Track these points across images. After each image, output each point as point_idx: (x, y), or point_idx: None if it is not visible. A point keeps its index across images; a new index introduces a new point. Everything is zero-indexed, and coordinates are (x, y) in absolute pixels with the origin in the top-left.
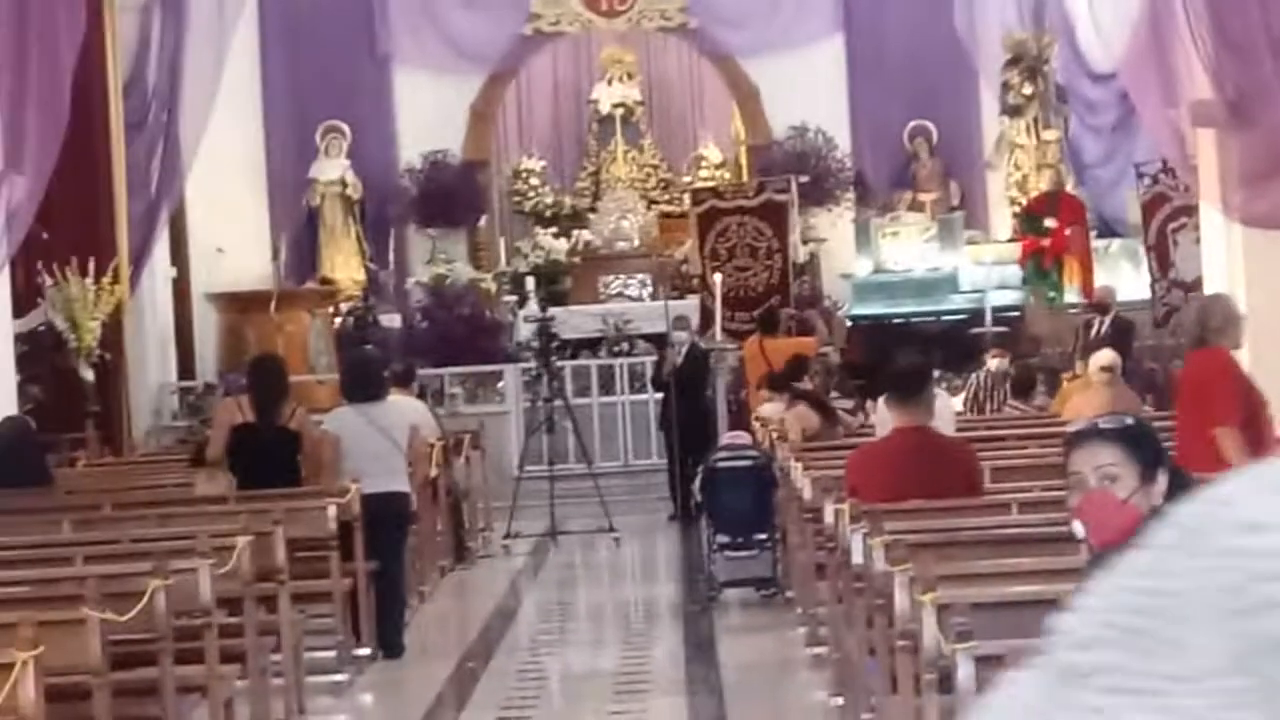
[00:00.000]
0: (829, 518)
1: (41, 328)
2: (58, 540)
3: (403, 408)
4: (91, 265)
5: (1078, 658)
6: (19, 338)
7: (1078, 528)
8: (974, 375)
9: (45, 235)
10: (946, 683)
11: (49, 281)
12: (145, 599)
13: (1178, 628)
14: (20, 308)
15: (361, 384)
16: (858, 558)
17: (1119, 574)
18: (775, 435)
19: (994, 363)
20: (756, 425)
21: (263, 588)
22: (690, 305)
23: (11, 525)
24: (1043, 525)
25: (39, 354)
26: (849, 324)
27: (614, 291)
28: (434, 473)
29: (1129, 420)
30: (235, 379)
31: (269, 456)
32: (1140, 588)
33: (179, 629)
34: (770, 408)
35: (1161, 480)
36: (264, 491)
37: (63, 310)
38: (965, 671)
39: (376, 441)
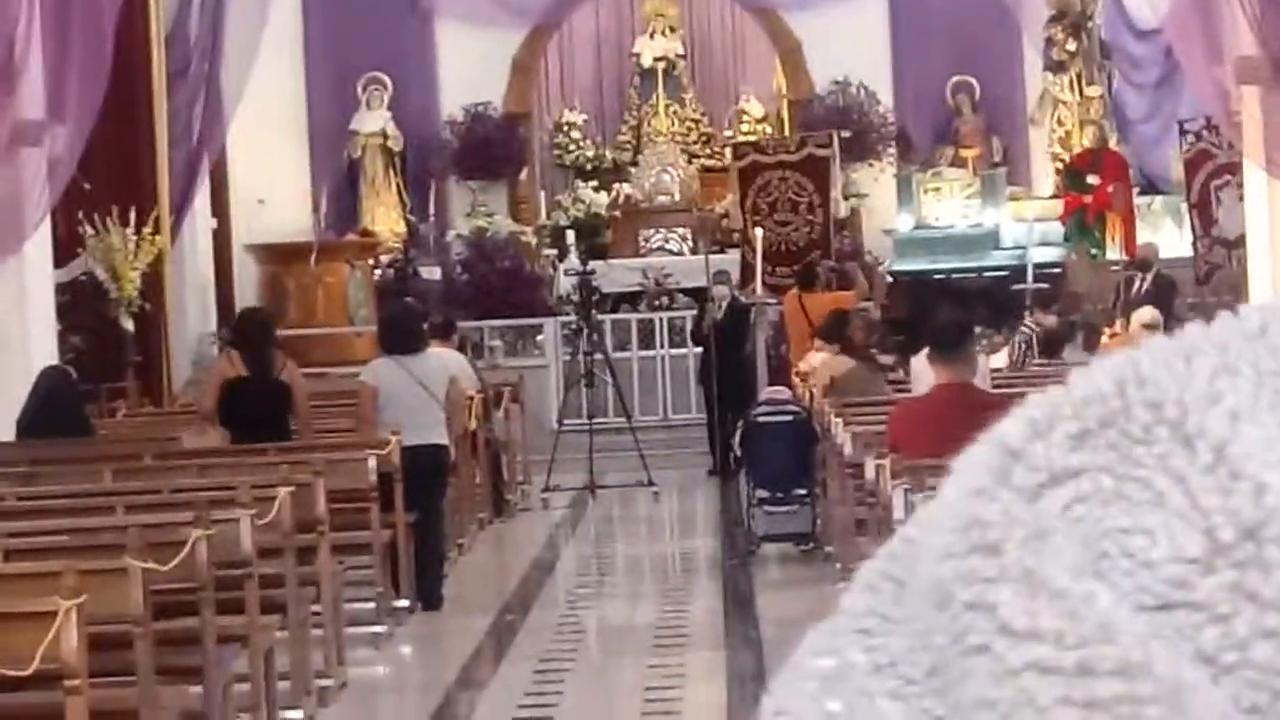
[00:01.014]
0: (870, 473)
1: (82, 277)
2: (99, 490)
3: (442, 360)
4: (132, 215)
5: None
6: (60, 287)
7: None
8: (1021, 331)
9: (87, 185)
10: None
11: (90, 231)
12: (187, 549)
13: (906, 576)
14: (61, 258)
15: (400, 336)
16: (899, 513)
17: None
18: (814, 388)
19: (1049, 319)
20: (797, 380)
21: (303, 539)
22: (731, 260)
23: (53, 475)
24: None
25: (80, 304)
26: (890, 279)
27: (654, 245)
28: (473, 426)
29: None
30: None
31: (261, 410)
32: (904, 534)
33: (220, 579)
34: (819, 358)
35: None
36: (276, 444)
37: (103, 260)
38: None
39: (415, 393)
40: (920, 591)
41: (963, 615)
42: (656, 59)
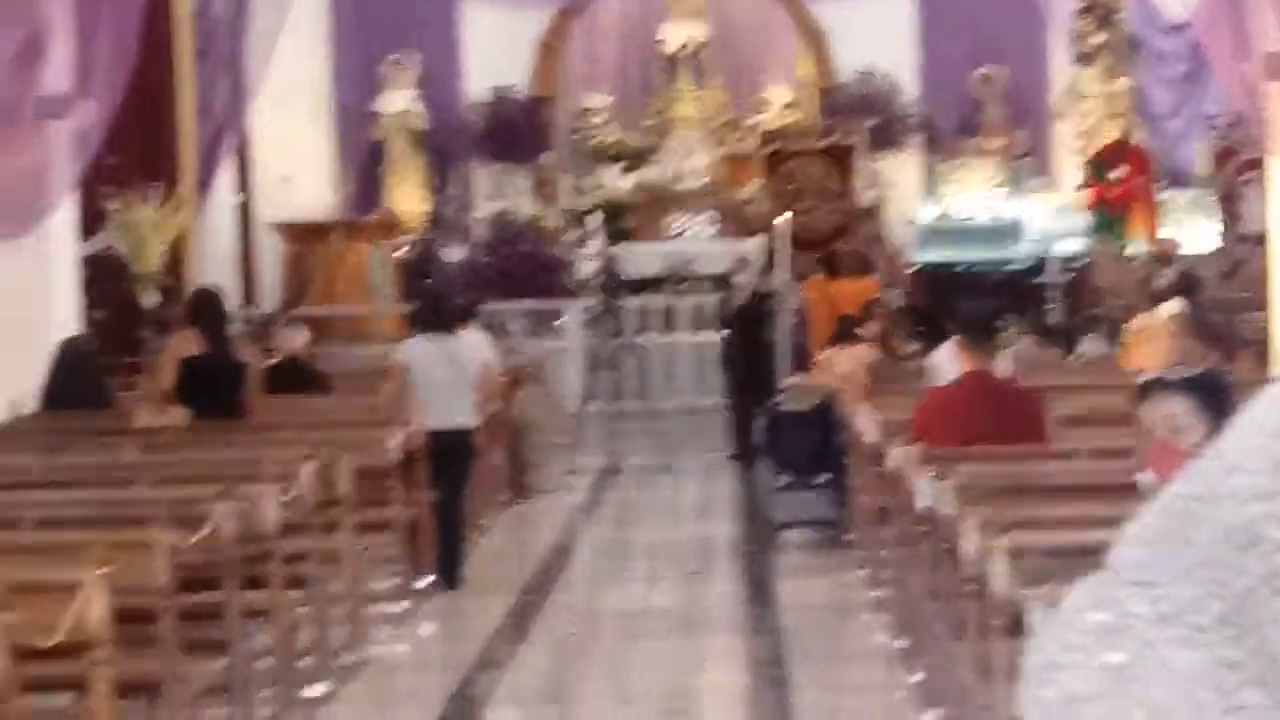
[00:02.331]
0: (894, 460)
1: (106, 252)
2: (124, 463)
3: (476, 341)
4: (157, 191)
5: (1113, 555)
6: (84, 262)
7: (1145, 477)
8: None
9: (112, 160)
10: (1013, 628)
11: (114, 206)
12: (211, 523)
13: (1189, 529)
14: (85, 232)
15: (436, 315)
16: (923, 501)
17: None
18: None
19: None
20: (816, 369)
21: (326, 515)
22: (754, 246)
23: (79, 447)
24: (1111, 473)
25: (103, 278)
26: (913, 270)
27: (677, 231)
28: (494, 407)
29: (1198, 372)
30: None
31: (219, 388)
32: (1179, 492)
33: (243, 554)
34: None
35: None
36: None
37: (127, 235)
38: (1036, 615)
39: (447, 373)
40: (1213, 539)
41: (1275, 555)
42: (682, 44)
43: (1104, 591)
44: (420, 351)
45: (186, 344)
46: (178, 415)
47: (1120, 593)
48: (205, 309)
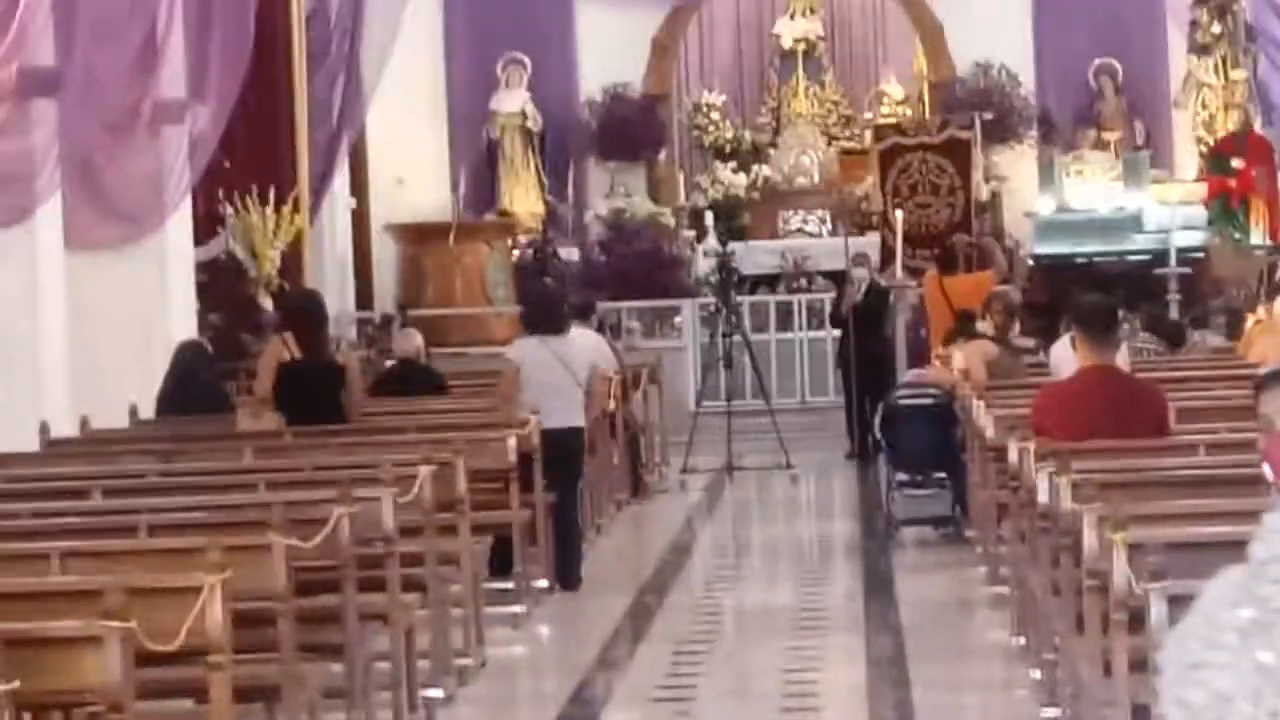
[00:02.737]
0: (1013, 456)
1: (222, 256)
2: (240, 467)
3: (585, 343)
4: (272, 194)
5: (1261, 550)
6: (200, 266)
7: (1267, 470)
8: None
9: (227, 164)
10: (1134, 624)
11: (230, 210)
12: (329, 526)
13: None
14: (201, 236)
15: (545, 316)
16: (1043, 496)
17: None
18: (958, 374)
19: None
20: (937, 364)
21: (443, 517)
22: (870, 242)
23: (194, 452)
24: (1231, 467)
25: (219, 282)
26: (1031, 263)
27: (793, 227)
28: (611, 407)
29: None
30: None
31: (317, 393)
32: None
33: (361, 557)
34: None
35: None
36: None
37: (243, 239)
38: (1158, 610)
39: (557, 374)
40: None
41: None
42: (796, 40)
43: (1251, 587)
44: (531, 352)
45: (283, 348)
46: (274, 420)
47: (1268, 589)
48: (302, 312)
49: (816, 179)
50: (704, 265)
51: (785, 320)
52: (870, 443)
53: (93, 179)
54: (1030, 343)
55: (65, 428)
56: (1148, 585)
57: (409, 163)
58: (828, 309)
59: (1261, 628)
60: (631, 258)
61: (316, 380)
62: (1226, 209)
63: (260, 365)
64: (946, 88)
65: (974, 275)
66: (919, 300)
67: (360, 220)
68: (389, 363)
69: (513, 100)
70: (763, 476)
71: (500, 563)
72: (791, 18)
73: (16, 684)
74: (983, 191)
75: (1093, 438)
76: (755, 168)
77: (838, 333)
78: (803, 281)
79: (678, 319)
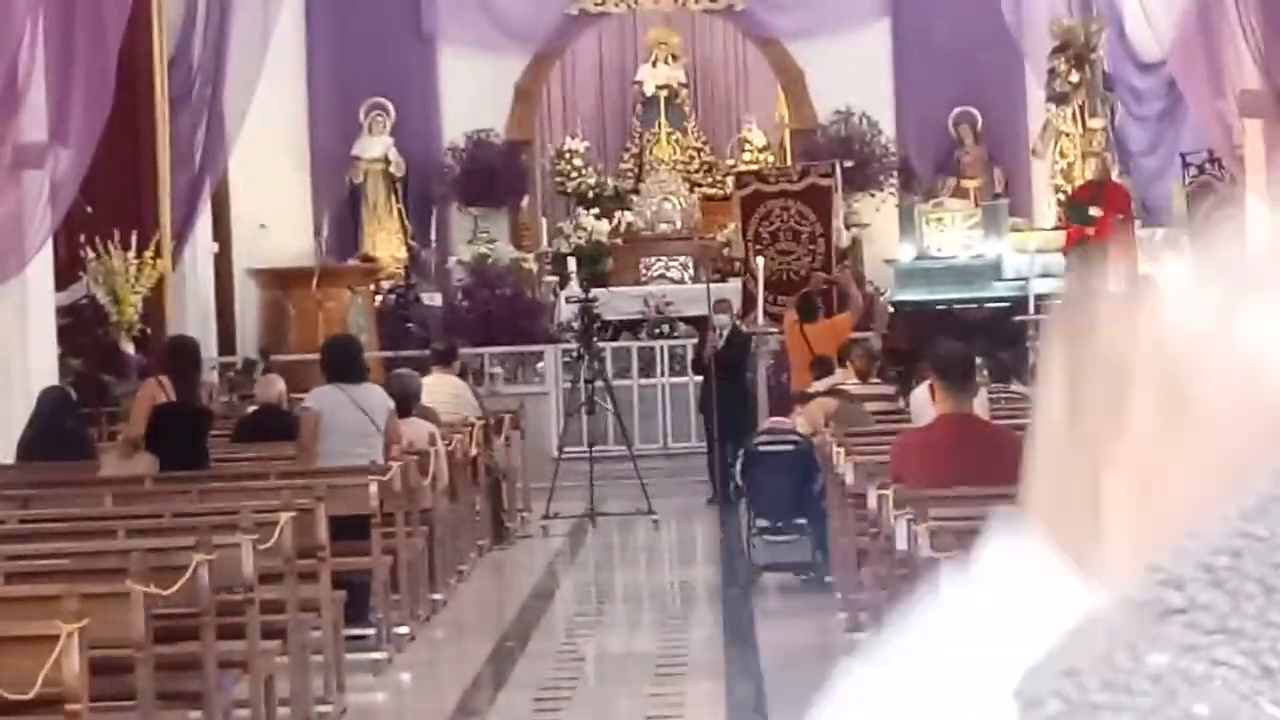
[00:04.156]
0: (872, 503)
1: (83, 301)
2: (100, 514)
3: (383, 392)
4: (134, 239)
5: (1170, 595)
6: (61, 310)
7: None
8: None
9: (89, 208)
10: None
11: (91, 255)
12: (188, 573)
13: (1275, 574)
14: (63, 280)
15: (344, 364)
16: (902, 544)
17: (1218, 519)
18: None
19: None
20: (797, 419)
21: (304, 564)
22: (732, 288)
23: (53, 498)
24: None
25: (81, 327)
26: (891, 309)
27: (655, 273)
28: (474, 452)
29: None
30: (275, 357)
31: (189, 437)
32: (1239, 531)
33: (221, 604)
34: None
35: None
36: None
37: (105, 283)
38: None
39: (357, 421)
40: None
41: None
42: (659, 87)
43: (1160, 632)
44: (330, 400)
45: (158, 390)
46: (145, 463)
47: (1195, 638)
48: (178, 356)
49: (679, 225)
50: (567, 311)
51: (647, 366)
52: (731, 488)
53: None
54: (890, 389)
55: None
56: None
57: (272, 207)
58: (690, 355)
59: (1188, 679)
60: (494, 303)
61: (189, 424)
62: (1084, 257)
63: (134, 407)
64: (808, 135)
65: (832, 320)
66: (780, 346)
67: (223, 264)
68: (251, 408)
69: (376, 145)
70: (625, 522)
71: (355, 609)
72: (654, 65)
73: None
74: (844, 238)
75: (951, 484)
76: (617, 214)
77: (699, 378)
78: (665, 327)
79: (540, 364)
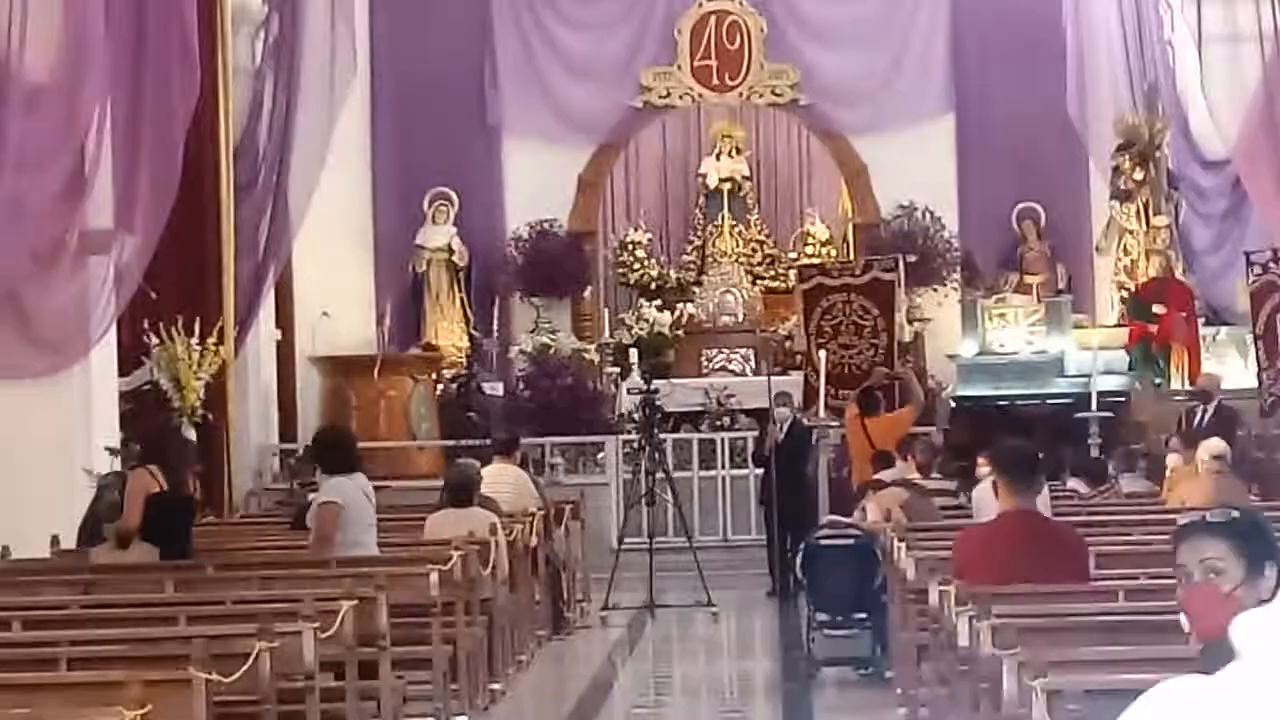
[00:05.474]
0: (933, 599)
1: (146, 386)
2: (161, 600)
3: (517, 477)
4: (197, 325)
5: None
6: (124, 396)
7: (1184, 620)
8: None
9: (153, 295)
10: None
11: (155, 341)
12: (250, 661)
13: None
14: (126, 366)
15: (345, 455)
16: (963, 640)
17: None
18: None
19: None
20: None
21: (364, 652)
22: (793, 381)
23: (115, 583)
24: (1150, 613)
25: (143, 413)
26: (952, 405)
27: (717, 365)
28: (534, 542)
29: (1236, 513)
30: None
31: (182, 524)
32: None
33: (281, 691)
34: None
35: (1270, 573)
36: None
37: (167, 369)
38: None
39: (369, 511)
40: None
41: None
42: (723, 179)
43: None
44: (347, 491)
45: (150, 480)
46: (144, 551)
47: None
48: (169, 447)
49: (741, 317)
50: (628, 401)
51: (708, 458)
52: (791, 582)
53: (17, 308)
54: (951, 484)
55: None
56: None
57: (335, 295)
58: (750, 447)
59: None
60: (556, 393)
61: (182, 513)
62: (1147, 354)
63: (129, 496)
64: (870, 229)
65: (894, 414)
66: (841, 440)
67: (285, 351)
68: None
69: (439, 235)
70: (684, 614)
71: None
72: (717, 158)
73: None
74: (906, 333)
75: (1013, 581)
76: (679, 305)
77: (760, 471)
78: (726, 420)
79: (601, 455)
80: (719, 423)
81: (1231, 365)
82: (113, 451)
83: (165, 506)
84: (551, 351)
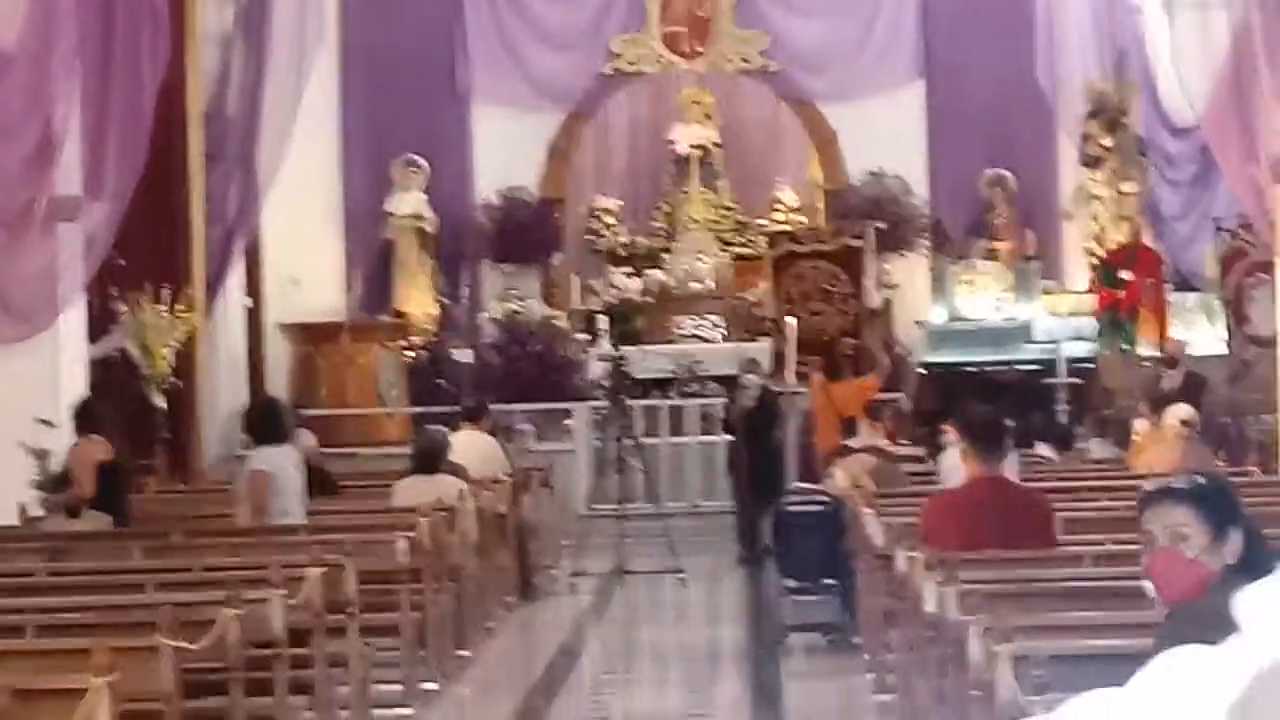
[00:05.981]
0: (901, 565)
1: (115, 354)
2: (129, 567)
3: (485, 444)
4: (166, 293)
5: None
6: (93, 363)
7: (1148, 586)
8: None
9: (122, 262)
10: None
11: (124, 308)
12: (217, 628)
13: None
14: (95, 333)
15: (277, 425)
16: (930, 606)
17: None
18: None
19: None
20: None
21: (333, 619)
22: (762, 348)
23: (83, 550)
24: (1117, 579)
25: (112, 380)
26: (921, 371)
27: (686, 332)
28: (502, 509)
29: (1201, 479)
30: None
31: (123, 493)
32: None
33: (249, 659)
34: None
35: (1234, 538)
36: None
37: (136, 337)
38: None
39: (298, 480)
40: None
41: None
42: (692, 146)
43: None
44: (275, 461)
45: (98, 449)
46: (96, 519)
47: None
48: (105, 414)
49: (710, 284)
50: (597, 369)
51: (677, 424)
52: (760, 548)
53: None
54: (919, 450)
55: None
56: (1031, 697)
57: (304, 262)
58: (720, 414)
59: None
60: (525, 360)
61: (126, 481)
62: (1116, 321)
63: (76, 465)
64: (840, 196)
65: (858, 380)
66: (810, 406)
67: (254, 319)
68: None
69: (409, 201)
70: (653, 580)
71: None
72: (687, 124)
73: None
74: (875, 299)
75: (980, 547)
76: (649, 272)
77: (729, 437)
78: (695, 386)
79: (570, 422)
80: (688, 389)
81: (1200, 331)
82: (45, 423)
83: (114, 474)
84: (521, 318)
